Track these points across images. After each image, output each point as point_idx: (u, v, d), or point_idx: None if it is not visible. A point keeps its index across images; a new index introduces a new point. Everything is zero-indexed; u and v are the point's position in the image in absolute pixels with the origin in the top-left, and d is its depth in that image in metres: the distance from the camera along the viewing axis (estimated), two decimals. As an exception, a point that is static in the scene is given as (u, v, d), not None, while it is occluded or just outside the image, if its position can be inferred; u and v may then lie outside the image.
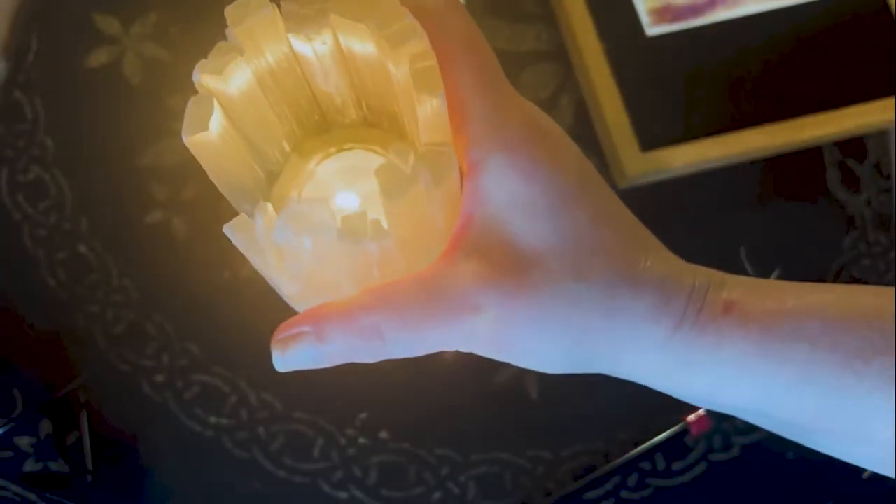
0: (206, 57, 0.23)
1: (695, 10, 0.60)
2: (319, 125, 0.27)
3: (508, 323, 0.24)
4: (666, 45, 0.59)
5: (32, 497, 0.49)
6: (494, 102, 0.25)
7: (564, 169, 0.25)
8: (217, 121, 0.23)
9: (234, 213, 0.24)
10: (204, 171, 0.24)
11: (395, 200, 0.22)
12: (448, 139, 0.23)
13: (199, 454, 0.51)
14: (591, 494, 0.51)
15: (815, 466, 0.52)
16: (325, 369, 0.25)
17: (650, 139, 0.57)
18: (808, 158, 0.59)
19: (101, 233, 0.55)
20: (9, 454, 0.49)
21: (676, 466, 0.52)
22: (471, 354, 0.26)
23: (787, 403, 0.25)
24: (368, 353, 0.25)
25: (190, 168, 0.56)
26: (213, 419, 0.51)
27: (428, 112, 0.23)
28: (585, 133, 0.58)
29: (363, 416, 0.52)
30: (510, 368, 0.52)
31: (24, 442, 0.50)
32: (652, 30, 0.59)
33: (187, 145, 0.23)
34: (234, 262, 0.54)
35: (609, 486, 0.51)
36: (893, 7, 0.60)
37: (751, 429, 0.53)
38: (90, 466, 0.49)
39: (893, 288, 0.25)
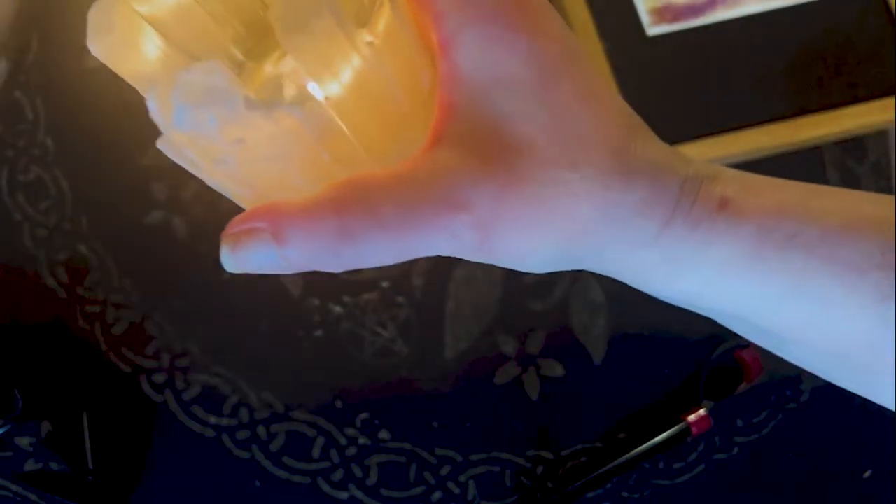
0: None
1: (695, 10, 0.60)
2: (268, 22, 0.24)
3: (501, 220, 0.22)
4: (666, 45, 0.59)
5: (32, 497, 0.49)
6: None
7: (548, 39, 0.22)
8: (153, 44, 0.20)
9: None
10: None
11: (296, 36, 0.18)
12: None
13: (199, 454, 0.51)
14: (591, 494, 0.51)
15: (815, 466, 0.52)
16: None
17: (650, 139, 0.57)
18: (808, 158, 0.59)
19: (101, 233, 0.55)
20: (9, 454, 0.49)
21: (676, 466, 0.52)
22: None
23: (773, 314, 0.23)
24: (336, 259, 0.21)
25: (190, 168, 0.56)
26: (213, 419, 0.51)
27: None
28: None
29: (363, 416, 0.51)
30: (510, 368, 0.52)
31: (24, 442, 0.50)
32: (652, 30, 0.59)
33: (100, 57, 0.20)
34: (234, 262, 0.54)
35: (609, 486, 0.51)
36: (893, 7, 0.60)
37: (751, 429, 0.53)
38: (90, 466, 0.49)
39: None
